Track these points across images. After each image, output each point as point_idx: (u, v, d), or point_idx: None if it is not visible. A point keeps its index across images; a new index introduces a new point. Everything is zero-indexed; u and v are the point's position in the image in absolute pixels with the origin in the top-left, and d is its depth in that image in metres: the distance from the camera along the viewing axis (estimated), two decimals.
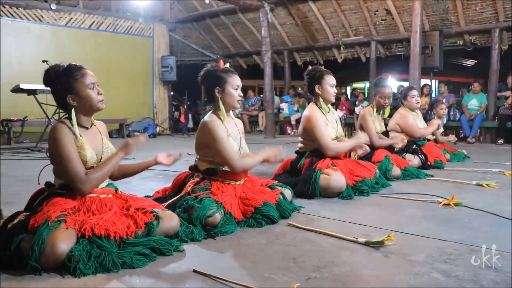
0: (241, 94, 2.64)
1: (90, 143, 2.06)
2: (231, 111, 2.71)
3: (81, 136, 2.02)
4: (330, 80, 3.36)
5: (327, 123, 3.33)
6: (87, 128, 2.09)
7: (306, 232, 2.27)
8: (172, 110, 12.08)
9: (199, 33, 12.71)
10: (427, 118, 6.28)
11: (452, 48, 9.60)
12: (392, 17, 9.43)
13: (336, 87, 3.45)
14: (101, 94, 2.06)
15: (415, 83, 7.45)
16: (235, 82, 2.59)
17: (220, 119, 2.57)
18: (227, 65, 2.71)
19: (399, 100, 5.07)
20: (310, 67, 3.51)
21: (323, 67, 3.50)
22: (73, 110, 2.02)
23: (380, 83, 4.35)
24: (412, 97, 4.79)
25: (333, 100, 3.40)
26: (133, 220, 1.97)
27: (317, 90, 3.37)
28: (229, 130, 2.58)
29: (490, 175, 4.13)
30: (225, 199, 2.38)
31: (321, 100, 3.37)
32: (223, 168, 2.57)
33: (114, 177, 2.29)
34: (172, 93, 12.14)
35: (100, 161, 2.08)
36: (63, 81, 2.00)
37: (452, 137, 5.77)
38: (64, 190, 2.00)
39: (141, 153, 6.20)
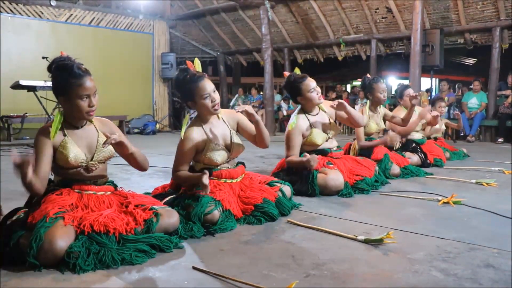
0: (215, 98, 2.49)
1: (78, 142, 2.05)
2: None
3: (65, 136, 2.02)
4: (307, 86, 3.26)
5: (309, 130, 3.28)
6: (77, 127, 2.09)
7: (306, 230, 2.27)
8: (172, 107, 12.05)
9: (199, 30, 12.68)
10: None
11: (453, 47, 9.58)
12: (392, 15, 9.41)
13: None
14: (92, 106, 2.01)
15: (415, 81, 7.44)
16: (203, 92, 2.46)
17: (202, 126, 2.57)
18: (196, 62, 2.55)
19: (396, 98, 5.06)
20: (284, 80, 3.41)
21: (299, 72, 3.37)
22: (58, 112, 2.04)
23: (373, 80, 4.27)
24: (407, 97, 4.76)
25: (319, 101, 3.29)
26: (132, 217, 1.98)
27: (300, 101, 3.32)
28: (213, 135, 2.55)
29: (489, 174, 4.13)
30: (223, 197, 2.38)
31: (303, 109, 3.35)
32: (217, 168, 2.56)
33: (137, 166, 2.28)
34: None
35: (91, 159, 2.08)
36: (59, 81, 1.98)
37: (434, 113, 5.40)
38: (62, 187, 2.01)
39: (141, 149, 6.20)
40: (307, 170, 3.08)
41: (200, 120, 2.59)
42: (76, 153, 2.01)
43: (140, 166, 2.24)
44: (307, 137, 3.29)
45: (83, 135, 2.08)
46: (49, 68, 2.01)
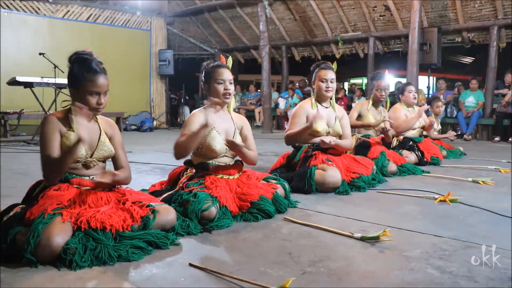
0: (228, 87, 2.59)
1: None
2: (231, 106, 2.72)
3: (70, 128, 2.01)
4: (321, 75, 3.37)
5: (308, 115, 3.31)
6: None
7: (302, 227, 2.27)
8: (169, 104, 12.04)
9: (197, 27, 12.65)
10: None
11: (450, 45, 9.59)
12: (390, 13, 9.42)
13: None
14: (100, 104, 2.04)
15: (413, 79, 7.45)
16: (219, 77, 2.58)
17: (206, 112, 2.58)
18: (229, 60, 2.73)
19: (396, 96, 5.09)
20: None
21: (329, 62, 3.53)
22: (71, 104, 2.03)
23: (376, 76, 4.43)
24: (410, 92, 4.83)
25: (327, 94, 3.39)
26: (129, 214, 1.97)
27: (312, 86, 3.44)
28: (216, 124, 2.56)
29: (486, 172, 4.14)
30: (220, 193, 2.38)
31: (313, 97, 3.44)
32: (214, 162, 2.57)
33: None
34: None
35: (91, 156, 2.08)
36: (74, 72, 2.01)
37: (450, 134, 5.72)
38: (60, 182, 2.00)
39: (138, 146, 6.20)
40: (307, 165, 3.12)
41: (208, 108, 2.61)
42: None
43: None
44: None
45: (86, 130, 2.08)
46: (70, 59, 2.04)
